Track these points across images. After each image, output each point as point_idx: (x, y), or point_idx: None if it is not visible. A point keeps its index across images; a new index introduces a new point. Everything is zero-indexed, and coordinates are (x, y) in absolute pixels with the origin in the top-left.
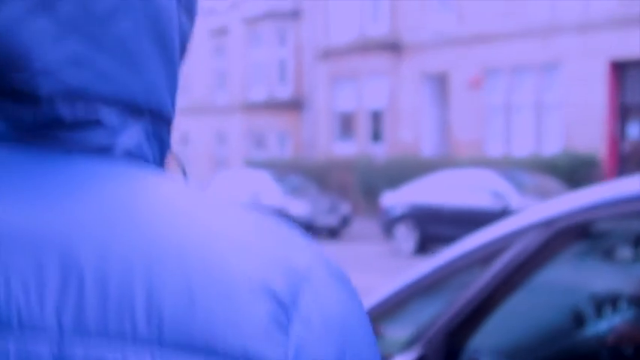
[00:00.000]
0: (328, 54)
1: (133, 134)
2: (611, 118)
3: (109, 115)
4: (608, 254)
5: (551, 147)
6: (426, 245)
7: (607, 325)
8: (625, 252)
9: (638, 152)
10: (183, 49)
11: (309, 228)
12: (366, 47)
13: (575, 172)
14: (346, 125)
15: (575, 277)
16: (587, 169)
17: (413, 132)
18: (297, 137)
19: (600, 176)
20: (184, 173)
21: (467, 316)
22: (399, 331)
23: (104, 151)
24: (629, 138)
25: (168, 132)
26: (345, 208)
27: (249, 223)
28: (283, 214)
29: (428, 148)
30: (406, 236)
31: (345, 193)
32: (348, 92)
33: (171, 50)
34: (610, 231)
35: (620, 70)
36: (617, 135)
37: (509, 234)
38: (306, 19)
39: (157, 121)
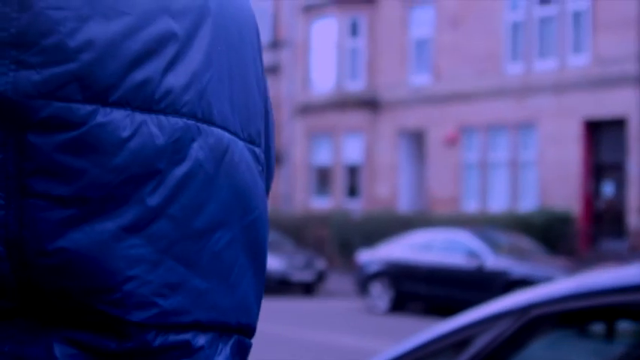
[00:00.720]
0: (306, 109)
1: (220, 357)
2: (586, 176)
3: (200, 340)
4: (583, 336)
5: (527, 204)
6: (401, 303)
7: None
8: (597, 329)
9: (612, 210)
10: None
11: (284, 283)
12: (343, 103)
13: (550, 229)
14: (323, 180)
15: (555, 356)
16: (562, 226)
17: (389, 188)
18: (274, 191)
19: (574, 233)
20: None
21: None
22: None
23: None
24: (604, 196)
25: (251, 341)
26: (320, 263)
27: None
28: None
29: (404, 204)
30: (381, 293)
31: (320, 247)
32: (324, 147)
33: (262, 257)
34: (585, 316)
35: (595, 129)
36: (592, 193)
37: (484, 320)
38: (285, 75)
39: (244, 334)
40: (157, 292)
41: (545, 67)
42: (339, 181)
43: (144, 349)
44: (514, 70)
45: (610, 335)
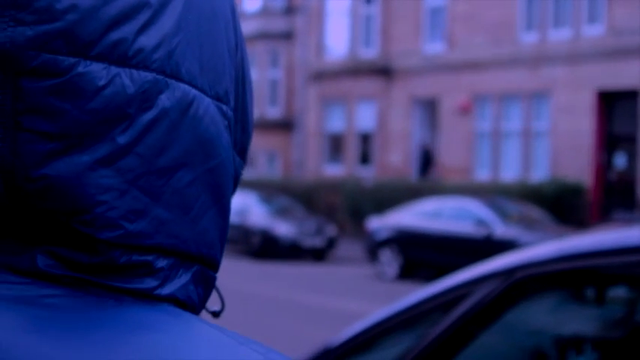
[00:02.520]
0: (320, 76)
1: (182, 281)
2: (598, 147)
3: (161, 262)
4: (571, 297)
5: (538, 174)
6: (409, 270)
7: None
8: (588, 294)
9: (623, 181)
10: (234, 188)
11: (295, 249)
12: (357, 70)
13: (561, 199)
14: (335, 147)
15: (539, 320)
16: (573, 197)
17: (401, 156)
18: (287, 157)
19: (586, 204)
20: (223, 306)
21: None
22: None
23: (153, 298)
24: (616, 167)
25: (215, 275)
26: (331, 230)
27: None
28: (271, 237)
29: (416, 172)
30: (390, 260)
31: (331, 214)
32: (338, 114)
33: (225, 200)
34: (575, 280)
35: (608, 100)
36: (604, 164)
37: (471, 281)
38: (299, 41)
39: (206, 265)
40: (123, 216)
41: (559, 36)
42: (352, 149)
43: (110, 264)
44: (528, 39)
45: (600, 300)
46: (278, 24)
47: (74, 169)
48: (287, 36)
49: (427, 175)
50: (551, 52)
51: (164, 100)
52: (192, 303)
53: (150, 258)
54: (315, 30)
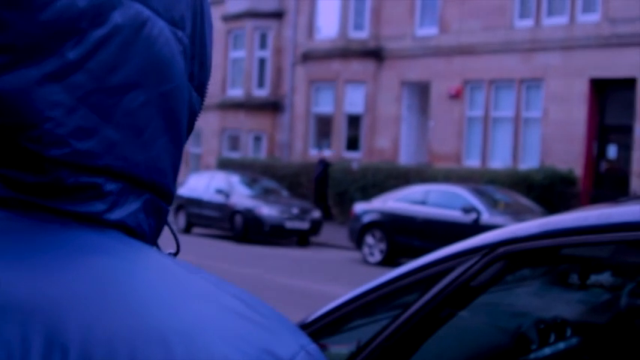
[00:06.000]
0: (309, 57)
1: (131, 207)
2: (590, 136)
3: (110, 185)
4: (555, 280)
5: (529, 162)
6: (395, 254)
7: (550, 351)
8: (572, 279)
9: (614, 171)
10: (191, 126)
11: (279, 231)
12: (347, 52)
13: (551, 188)
14: (323, 130)
15: (521, 302)
16: (563, 186)
17: (390, 140)
18: (273, 139)
19: (576, 193)
20: (178, 248)
21: (406, 336)
22: (344, 346)
23: (101, 222)
24: (607, 157)
25: (168, 205)
26: (315, 213)
27: (236, 309)
28: (254, 217)
29: (405, 157)
30: (375, 244)
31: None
32: (326, 96)
33: (179, 128)
34: (557, 258)
35: (602, 89)
36: (595, 153)
37: (451, 256)
38: (288, 21)
39: (158, 195)
40: (71, 133)
41: (554, 23)
42: (340, 132)
43: (57, 184)
44: (522, 25)
45: (583, 282)
46: (268, 3)
47: (22, 83)
48: (276, 15)
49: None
50: (546, 39)
51: (117, 16)
52: (143, 232)
53: (98, 180)
54: (305, 10)
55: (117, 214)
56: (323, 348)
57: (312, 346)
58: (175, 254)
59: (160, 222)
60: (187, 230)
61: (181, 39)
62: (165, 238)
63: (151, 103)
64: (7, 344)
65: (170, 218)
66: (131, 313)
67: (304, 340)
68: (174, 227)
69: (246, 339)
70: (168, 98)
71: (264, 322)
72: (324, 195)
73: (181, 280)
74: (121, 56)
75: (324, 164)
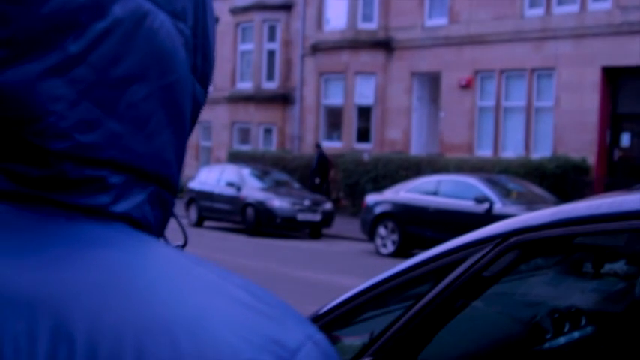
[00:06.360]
0: (318, 48)
1: (136, 199)
2: (603, 124)
3: (114, 178)
4: (569, 269)
5: (541, 152)
6: (407, 245)
7: (565, 340)
8: (586, 267)
9: (627, 160)
10: (195, 118)
11: (291, 224)
12: (356, 43)
13: (564, 177)
14: (333, 121)
15: (535, 291)
16: (576, 175)
17: (401, 131)
18: (283, 131)
19: (589, 183)
20: (185, 241)
21: (420, 326)
22: (357, 337)
23: (106, 215)
24: (620, 145)
25: (173, 198)
26: (327, 205)
27: (242, 299)
28: (265, 209)
29: (416, 148)
30: (388, 235)
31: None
32: (336, 88)
33: (183, 120)
34: (570, 247)
35: (614, 77)
36: (608, 142)
37: (463, 246)
38: (297, 12)
39: (163, 187)
40: (74, 127)
41: (565, 12)
42: (350, 123)
43: (62, 178)
44: (533, 14)
45: (596, 270)
46: None
47: (24, 77)
48: (285, 7)
49: (322, 183)
50: (557, 28)
51: (117, 10)
52: (148, 224)
53: (103, 173)
54: (313, 1)
55: (122, 207)
56: (336, 339)
57: (320, 336)
58: (183, 246)
59: (166, 214)
60: (199, 224)
61: (183, 31)
62: (176, 231)
63: (153, 95)
64: (15, 336)
65: (181, 212)
66: (137, 304)
67: (311, 329)
68: (185, 221)
69: (253, 329)
70: (171, 90)
71: (271, 311)
72: (316, 186)
73: (187, 272)
74: (122, 49)
75: (318, 154)
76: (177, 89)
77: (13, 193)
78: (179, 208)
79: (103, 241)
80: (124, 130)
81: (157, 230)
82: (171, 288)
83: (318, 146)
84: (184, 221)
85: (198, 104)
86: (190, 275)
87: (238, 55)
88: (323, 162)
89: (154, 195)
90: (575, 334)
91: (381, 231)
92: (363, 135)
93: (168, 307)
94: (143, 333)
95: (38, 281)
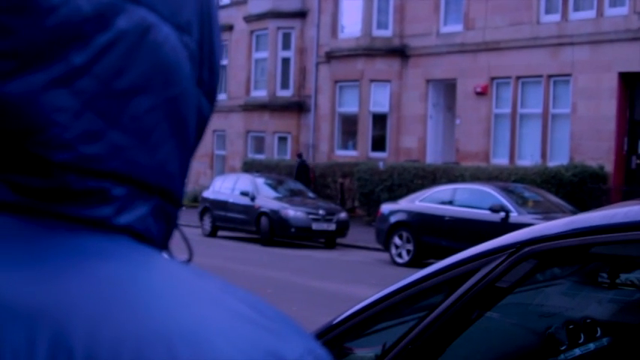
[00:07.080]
0: (332, 56)
1: (139, 212)
2: (620, 131)
3: (117, 190)
4: (584, 279)
5: (558, 159)
6: (422, 255)
7: (580, 351)
8: (602, 278)
9: None
10: (200, 132)
11: (306, 233)
12: (371, 51)
13: (581, 185)
14: (348, 129)
15: (549, 302)
16: (594, 182)
17: (416, 139)
18: (298, 140)
19: (606, 190)
20: (190, 254)
21: (433, 337)
22: (369, 349)
23: (109, 227)
24: (638, 152)
25: (177, 211)
26: (342, 214)
27: (241, 312)
28: (280, 219)
29: (432, 156)
30: (403, 245)
31: (343, 198)
32: (351, 96)
33: (187, 133)
34: (585, 257)
35: (631, 83)
36: (626, 149)
37: (477, 256)
38: (312, 20)
39: (166, 199)
40: (78, 138)
41: (581, 18)
42: (365, 132)
43: (64, 189)
44: (549, 20)
45: (612, 280)
46: (290, 3)
47: (28, 88)
48: (299, 15)
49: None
50: (573, 34)
51: (121, 22)
52: (151, 236)
53: (105, 185)
54: (328, 9)
55: (124, 219)
56: (348, 351)
57: (320, 350)
58: (188, 261)
59: (169, 226)
60: (213, 234)
61: (188, 44)
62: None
63: (157, 107)
64: (14, 347)
65: (195, 221)
66: (136, 316)
67: (312, 343)
68: (199, 231)
69: (251, 341)
70: (175, 103)
71: (271, 325)
72: None
73: (187, 284)
74: (126, 61)
75: (298, 163)
76: (181, 102)
77: (15, 204)
78: (193, 217)
79: (104, 253)
80: (128, 141)
81: (160, 243)
82: (171, 300)
83: (299, 155)
84: (198, 231)
85: (203, 118)
86: (191, 288)
87: (253, 63)
88: (302, 170)
89: (158, 207)
90: (591, 346)
91: (396, 240)
92: (378, 143)
93: (168, 319)
94: (141, 344)
95: (38, 293)
